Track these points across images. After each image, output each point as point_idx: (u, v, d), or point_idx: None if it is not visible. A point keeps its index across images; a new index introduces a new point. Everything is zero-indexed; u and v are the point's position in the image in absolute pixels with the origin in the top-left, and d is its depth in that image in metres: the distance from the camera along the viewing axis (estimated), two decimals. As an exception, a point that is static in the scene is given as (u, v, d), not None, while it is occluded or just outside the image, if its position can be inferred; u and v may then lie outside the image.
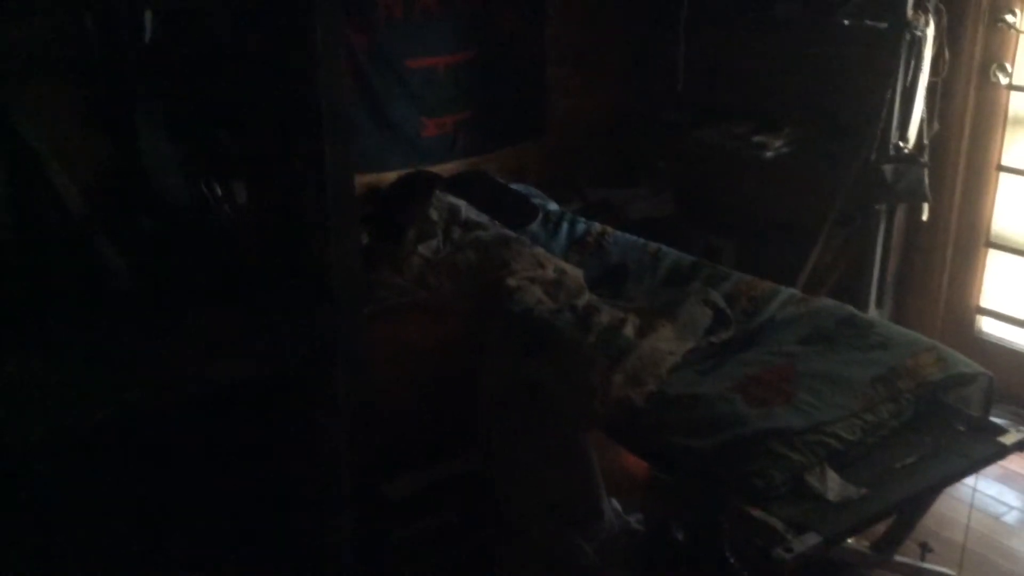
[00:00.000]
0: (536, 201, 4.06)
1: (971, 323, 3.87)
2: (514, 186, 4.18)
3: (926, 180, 3.56)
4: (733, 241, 4.34)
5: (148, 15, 1.78)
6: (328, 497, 2.00)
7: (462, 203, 3.70)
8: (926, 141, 3.59)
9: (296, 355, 1.82)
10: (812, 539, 2.19)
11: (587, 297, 3.14)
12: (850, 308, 3.00)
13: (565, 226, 3.85)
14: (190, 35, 1.86)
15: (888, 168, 3.57)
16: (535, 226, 3.86)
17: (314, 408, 1.95)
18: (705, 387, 2.64)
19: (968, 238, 3.79)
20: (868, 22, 3.56)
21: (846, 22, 3.61)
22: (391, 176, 4.14)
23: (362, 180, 4.08)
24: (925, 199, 3.60)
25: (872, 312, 3.79)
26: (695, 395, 2.60)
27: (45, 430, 1.48)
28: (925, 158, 3.58)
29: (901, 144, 3.57)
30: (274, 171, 2.44)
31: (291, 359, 1.80)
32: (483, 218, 3.69)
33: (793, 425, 2.43)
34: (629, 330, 2.82)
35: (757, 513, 2.27)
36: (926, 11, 3.41)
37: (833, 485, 2.35)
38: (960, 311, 3.87)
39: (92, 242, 2.26)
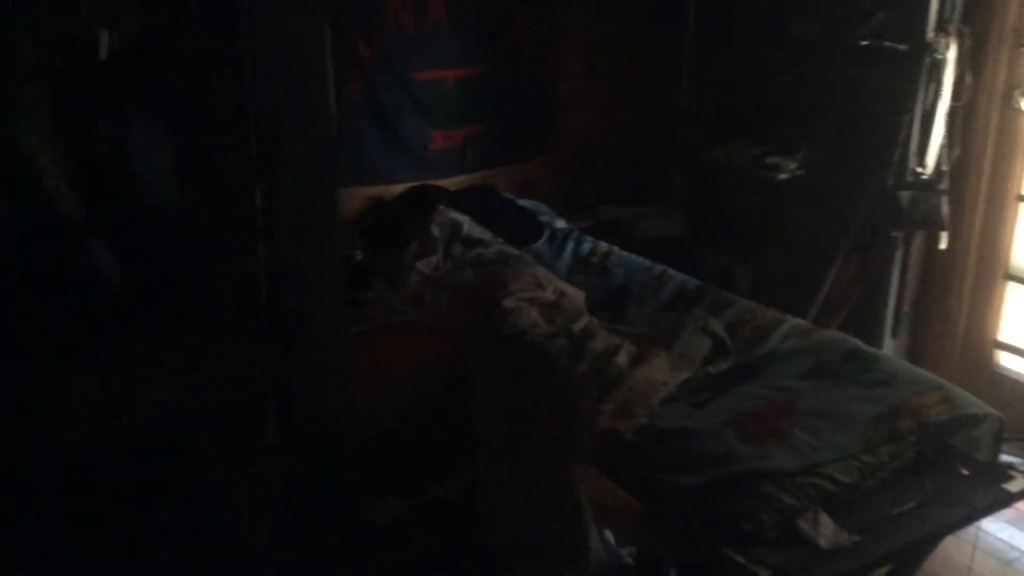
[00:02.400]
0: (544, 218, 3.98)
1: (989, 357, 3.73)
2: (522, 202, 4.10)
3: (944, 208, 3.44)
4: (747, 264, 4.23)
5: (104, 34, 1.73)
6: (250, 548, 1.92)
7: (465, 219, 3.63)
8: (945, 168, 3.47)
9: (211, 395, 1.74)
10: (798, 589, 2.09)
11: (585, 321, 3.05)
12: (855, 341, 2.88)
13: (571, 245, 3.77)
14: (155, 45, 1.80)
15: (905, 194, 3.46)
16: (540, 244, 3.78)
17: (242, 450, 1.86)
18: (698, 421, 2.55)
19: (987, 270, 3.65)
20: (887, 44, 3.45)
21: (864, 43, 3.50)
22: (398, 189, 4.07)
23: (368, 192, 4.03)
24: (943, 227, 3.48)
25: (887, 343, 3.68)
26: (686, 429, 2.50)
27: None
28: (944, 185, 3.46)
29: (919, 170, 3.46)
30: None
31: (207, 399, 1.73)
32: (486, 235, 3.62)
33: (786, 466, 2.33)
34: (622, 358, 2.73)
35: (742, 559, 2.16)
36: (948, 33, 3.30)
37: (825, 530, 2.24)
38: (978, 345, 3.74)
39: (84, 243, 2.21)
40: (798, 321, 3.06)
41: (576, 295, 3.25)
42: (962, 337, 3.75)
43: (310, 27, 2.14)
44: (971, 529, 2.83)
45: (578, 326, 2.98)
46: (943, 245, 3.55)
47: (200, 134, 1.81)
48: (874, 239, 3.63)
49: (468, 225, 3.59)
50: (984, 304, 3.70)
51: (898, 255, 3.60)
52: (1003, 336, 3.71)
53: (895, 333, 3.73)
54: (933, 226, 3.50)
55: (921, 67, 3.32)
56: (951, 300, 3.73)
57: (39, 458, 1.47)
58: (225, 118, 2.12)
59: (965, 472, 2.49)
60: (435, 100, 4.06)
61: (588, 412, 2.57)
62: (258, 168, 2.32)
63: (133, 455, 1.66)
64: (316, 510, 2.48)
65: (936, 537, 2.39)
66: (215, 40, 2.11)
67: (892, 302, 3.67)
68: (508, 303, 3.08)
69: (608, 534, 2.97)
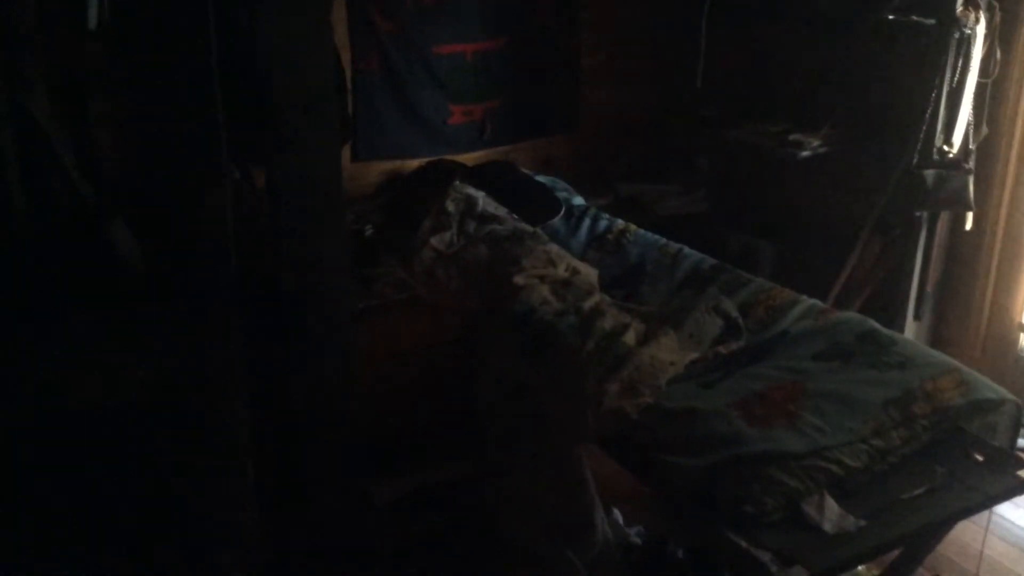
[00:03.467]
0: (561, 194, 3.93)
1: (1014, 341, 3.64)
2: (540, 178, 4.05)
3: (971, 188, 3.36)
4: (771, 243, 4.17)
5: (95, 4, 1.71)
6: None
7: (480, 195, 3.59)
8: (972, 146, 3.38)
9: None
10: (799, 574, 2.05)
11: (596, 299, 3.01)
12: (871, 322, 2.82)
13: (587, 222, 3.71)
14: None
15: (930, 173, 3.37)
16: (557, 221, 3.73)
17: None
18: (704, 402, 2.50)
19: (1014, 251, 3.56)
20: (915, 18, 3.36)
21: (891, 17, 3.40)
22: (416, 164, 4.04)
23: (385, 167, 4.01)
24: (969, 208, 3.40)
25: (910, 325, 3.61)
26: (692, 410, 2.46)
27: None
28: (970, 164, 3.37)
29: (945, 148, 3.37)
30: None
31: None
32: (501, 211, 3.57)
33: (792, 448, 2.29)
34: (630, 337, 2.69)
35: (743, 542, 2.13)
36: (977, 8, 3.21)
37: (831, 515, 2.20)
38: (1003, 328, 3.65)
39: (106, 227, 2.21)
40: (813, 302, 3.00)
41: (589, 273, 3.21)
42: (987, 320, 3.67)
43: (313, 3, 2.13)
44: (985, 514, 2.77)
45: (588, 304, 2.94)
46: (968, 226, 3.47)
47: (190, 111, 1.78)
48: (898, 219, 3.55)
49: (483, 201, 3.55)
50: (1010, 286, 3.60)
51: (922, 235, 3.52)
52: (1029, 320, 3.62)
53: (918, 315, 3.66)
54: (959, 206, 3.42)
55: (949, 42, 3.22)
56: (976, 282, 3.65)
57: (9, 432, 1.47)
58: (226, 94, 2.12)
59: (980, 458, 2.43)
60: (454, 74, 4.02)
61: (593, 391, 2.53)
62: (262, 146, 2.32)
63: (105, 433, 1.66)
64: (317, 489, 2.48)
65: (946, 524, 2.34)
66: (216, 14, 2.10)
67: (915, 283, 3.59)
68: (519, 280, 3.05)
69: (616, 513, 2.95)
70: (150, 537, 1.71)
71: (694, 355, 2.70)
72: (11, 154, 2.03)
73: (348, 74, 3.73)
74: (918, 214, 3.47)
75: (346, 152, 3.80)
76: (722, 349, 2.76)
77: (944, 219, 3.55)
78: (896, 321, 3.54)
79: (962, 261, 3.65)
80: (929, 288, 3.64)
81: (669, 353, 2.65)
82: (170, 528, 1.75)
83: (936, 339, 3.73)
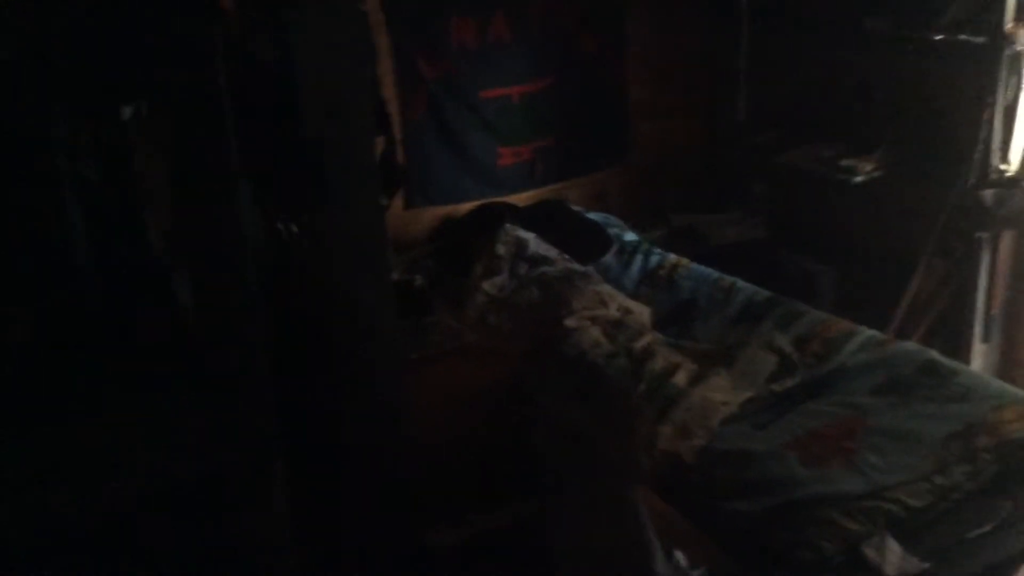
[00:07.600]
0: (613, 231, 3.92)
1: (1088, 362, 3.52)
2: (592, 215, 4.06)
3: (1032, 206, 3.27)
4: (831, 268, 4.10)
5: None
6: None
7: (531, 236, 3.61)
8: (1031, 163, 3.29)
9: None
10: (860, 620, 2.00)
11: (648, 339, 2.99)
12: (932, 353, 2.76)
13: (639, 258, 3.70)
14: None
15: (989, 193, 3.30)
16: (609, 258, 3.73)
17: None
18: (759, 443, 2.47)
19: (1082, 269, 3.45)
20: (963, 37, 3.30)
21: (939, 37, 3.34)
22: (468, 207, 4.08)
23: (438, 212, 4.05)
24: (1031, 226, 3.30)
25: (977, 349, 3.51)
26: (747, 452, 2.44)
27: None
28: (1030, 182, 3.29)
29: (1003, 167, 3.29)
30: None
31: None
32: (552, 252, 3.58)
33: (851, 490, 2.25)
34: (680, 378, 2.67)
35: (800, 589, 2.09)
36: (1027, 24, 3.13)
37: (892, 557, 2.15)
38: (1075, 347, 3.53)
39: (170, 279, 2.27)
40: (872, 333, 2.94)
41: (641, 312, 3.20)
42: (1058, 341, 3.56)
43: (355, 56, 2.16)
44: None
45: (640, 344, 2.93)
46: (1033, 245, 3.38)
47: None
48: (959, 241, 3.47)
49: (533, 243, 3.57)
50: (1079, 305, 3.49)
51: (985, 257, 3.43)
52: (1103, 339, 3.49)
53: (986, 339, 3.55)
54: (1020, 225, 3.33)
55: (1000, 60, 3.16)
56: (1044, 302, 3.54)
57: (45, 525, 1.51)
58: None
59: (1049, 492, 2.36)
60: (501, 117, 4.06)
61: (647, 434, 2.52)
62: (304, 198, 2.36)
63: (144, 517, 1.69)
64: (373, 539, 2.50)
65: (1014, 562, 2.26)
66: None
67: (981, 307, 3.49)
68: (570, 322, 3.05)
69: (679, 555, 2.90)
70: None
71: (748, 394, 2.67)
72: (77, 217, 2.11)
73: (397, 122, 3.79)
74: (979, 235, 3.38)
75: (399, 200, 3.86)
76: (776, 387, 2.72)
77: (1007, 238, 3.45)
78: (962, 346, 3.45)
79: (1028, 281, 3.54)
80: (995, 310, 3.54)
81: (722, 393, 2.62)
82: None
83: (1007, 362, 3.61)
